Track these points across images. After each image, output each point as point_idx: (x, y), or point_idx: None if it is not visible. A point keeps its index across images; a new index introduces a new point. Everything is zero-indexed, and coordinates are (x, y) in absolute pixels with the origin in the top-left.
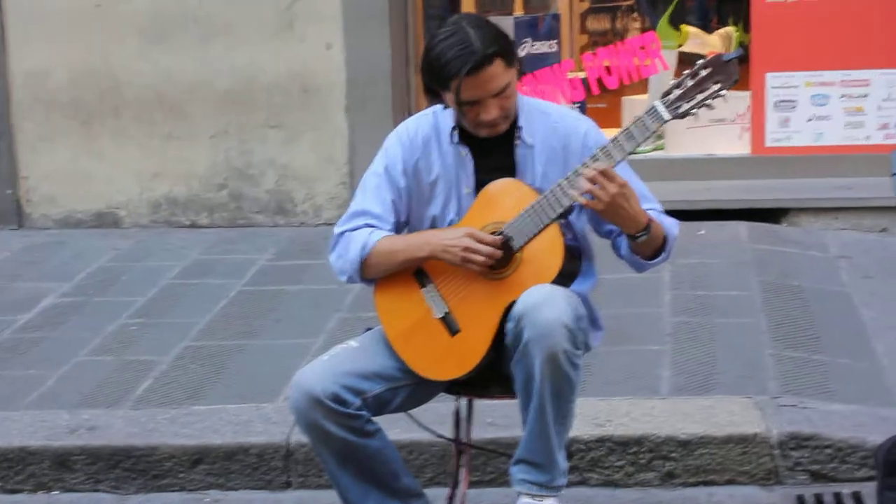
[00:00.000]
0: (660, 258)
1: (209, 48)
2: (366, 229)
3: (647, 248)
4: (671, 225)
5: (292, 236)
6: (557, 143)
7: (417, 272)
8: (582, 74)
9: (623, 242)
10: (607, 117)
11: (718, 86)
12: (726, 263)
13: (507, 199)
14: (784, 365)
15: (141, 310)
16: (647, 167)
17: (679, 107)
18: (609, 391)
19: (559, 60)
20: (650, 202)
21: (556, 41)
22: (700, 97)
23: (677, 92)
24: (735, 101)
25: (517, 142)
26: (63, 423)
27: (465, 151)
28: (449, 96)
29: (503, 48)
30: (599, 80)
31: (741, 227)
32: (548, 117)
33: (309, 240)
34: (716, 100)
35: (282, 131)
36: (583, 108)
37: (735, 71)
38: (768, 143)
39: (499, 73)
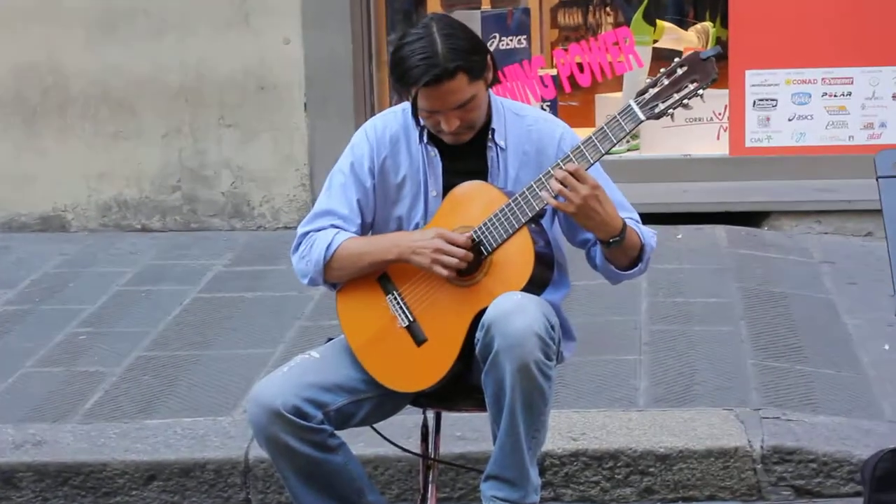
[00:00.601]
0: (636, 269)
1: (160, 42)
2: (331, 230)
3: (622, 256)
4: (649, 235)
5: (250, 241)
6: (531, 147)
7: (381, 278)
8: (553, 71)
9: (598, 252)
10: (580, 116)
11: (696, 84)
12: (705, 269)
13: (475, 202)
14: (766, 375)
15: (90, 318)
16: (621, 168)
17: (655, 106)
18: (583, 403)
19: (529, 57)
20: (628, 211)
21: (525, 36)
22: (677, 97)
23: (653, 91)
24: (713, 100)
25: (489, 144)
26: (8, 438)
27: (434, 152)
28: (411, 101)
29: (469, 62)
30: (571, 78)
31: (720, 231)
32: (522, 120)
33: (267, 244)
34: (693, 99)
35: (237, 130)
36: (554, 107)
37: (713, 69)
38: (748, 144)
39: (461, 87)
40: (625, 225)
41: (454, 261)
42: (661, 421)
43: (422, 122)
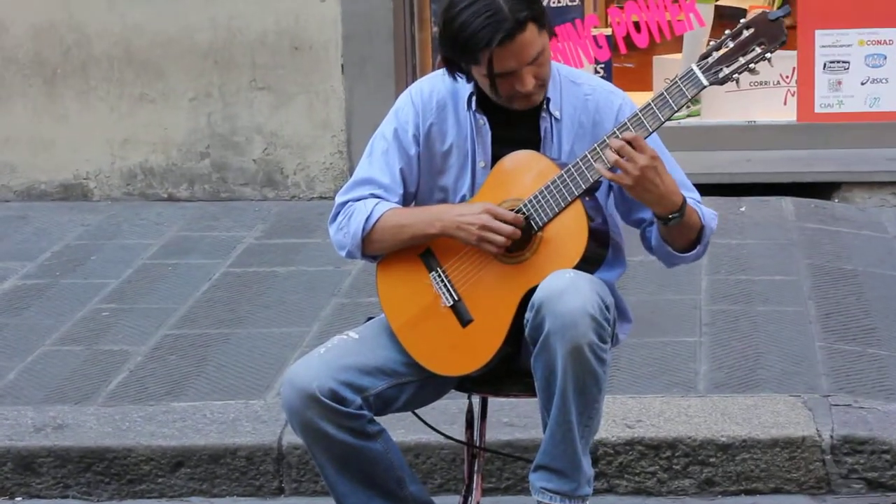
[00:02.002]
0: (693, 252)
1: None
2: (371, 200)
3: (679, 237)
4: (710, 217)
5: (283, 211)
6: (587, 119)
7: (424, 254)
8: (608, 31)
9: (654, 232)
10: (636, 79)
11: (763, 48)
12: (770, 245)
13: (525, 173)
14: (836, 359)
15: (113, 294)
16: (680, 135)
17: (719, 71)
18: (639, 388)
19: (582, 16)
20: (689, 190)
21: None
22: (742, 60)
23: (717, 54)
24: (780, 62)
25: (543, 114)
26: (28, 421)
27: (483, 120)
28: (478, 70)
29: (534, 11)
30: (627, 38)
31: (787, 204)
32: (579, 88)
33: (301, 215)
34: (760, 63)
35: (270, 94)
36: (609, 69)
37: (782, 31)
38: (817, 109)
39: (533, 38)
40: (685, 201)
41: (501, 239)
42: (723, 408)
43: (471, 89)
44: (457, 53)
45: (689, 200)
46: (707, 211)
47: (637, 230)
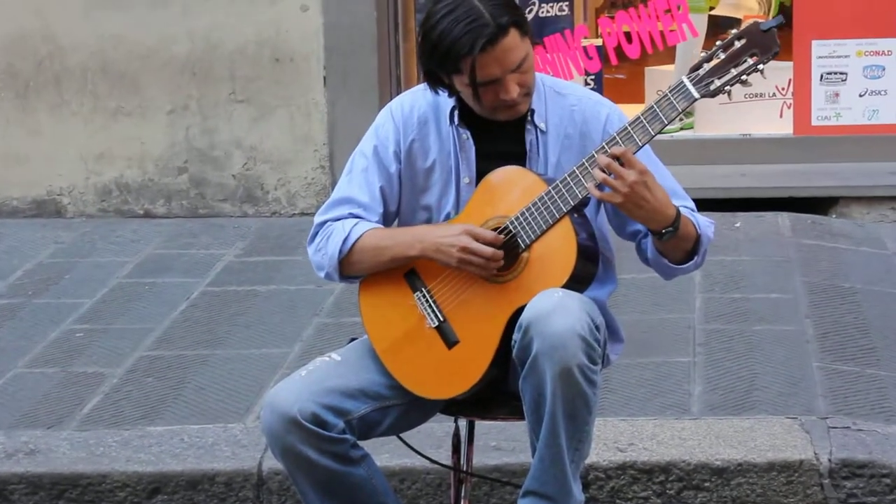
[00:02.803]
0: (691, 263)
1: (165, 9)
2: (350, 220)
3: (675, 249)
4: (706, 225)
5: (263, 228)
6: (574, 130)
7: (409, 273)
8: (598, 42)
9: (649, 244)
10: (628, 91)
11: (755, 59)
12: (766, 261)
13: (511, 189)
14: (834, 380)
15: (88, 314)
16: (673, 149)
17: (710, 83)
18: (632, 410)
19: (572, 26)
20: (681, 199)
21: (567, 3)
22: (734, 72)
23: (708, 66)
24: (775, 74)
25: (528, 126)
26: None
27: (466, 135)
28: (460, 79)
29: (516, 16)
30: (618, 48)
31: (783, 219)
32: (564, 99)
33: (282, 232)
34: (753, 75)
35: (250, 107)
36: (599, 81)
37: (775, 42)
38: (814, 122)
39: (515, 43)
40: (678, 214)
41: (482, 261)
42: (718, 430)
43: (453, 103)
44: (438, 64)
45: (682, 211)
46: (703, 219)
47: (631, 243)
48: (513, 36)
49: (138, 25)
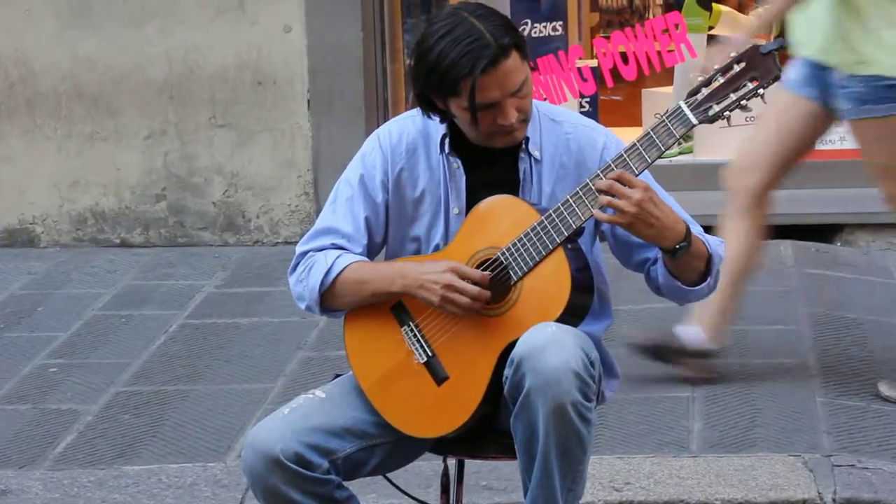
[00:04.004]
0: (705, 284)
1: (141, 30)
2: (332, 251)
3: (689, 269)
4: (716, 244)
5: (245, 258)
6: (569, 159)
7: (396, 307)
8: (593, 63)
9: (659, 270)
10: (624, 114)
11: (755, 84)
12: (768, 292)
13: (502, 219)
14: (838, 416)
15: (62, 348)
16: (671, 173)
17: (708, 108)
18: (628, 448)
19: (566, 46)
20: (690, 223)
21: (561, 23)
22: (733, 97)
23: (706, 91)
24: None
25: (522, 155)
26: None
27: (457, 164)
28: (457, 103)
29: (516, 38)
30: (614, 70)
31: (785, 248)
32: (559, 127)
33: (265, 262)
34: (753, 100)
35: (231, 131)
36: (595, 103)
37: (776, 66)
38: (818, 146)
39: (516, 66)
40: (688, 228)
41: (467, 300)
42: (718, 469)
43: (444, 130)
44: (435, 86)
45: (692, 229)
46: (712, 239)
47: (628, 273)
48: (514, 58)
49: (113, 47)
